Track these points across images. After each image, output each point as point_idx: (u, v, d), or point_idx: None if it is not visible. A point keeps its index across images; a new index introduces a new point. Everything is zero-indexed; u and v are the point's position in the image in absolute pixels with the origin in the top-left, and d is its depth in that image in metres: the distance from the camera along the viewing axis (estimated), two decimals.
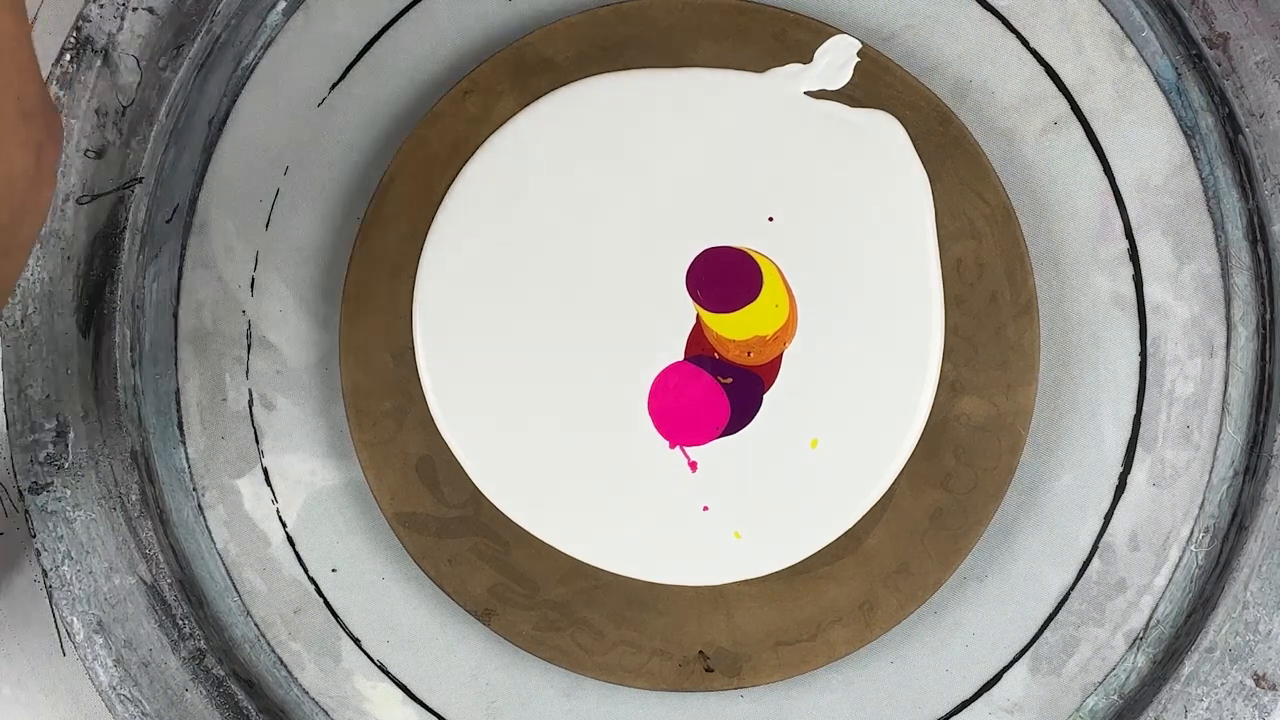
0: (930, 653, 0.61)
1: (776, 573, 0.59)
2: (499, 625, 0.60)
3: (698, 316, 0.59)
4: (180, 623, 0.60)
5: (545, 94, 0.60)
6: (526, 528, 0.59)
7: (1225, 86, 0.59)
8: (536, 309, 0.60)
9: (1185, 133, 0.60)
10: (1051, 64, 0.61)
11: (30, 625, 0.63)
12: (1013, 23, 0.61)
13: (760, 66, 0.60)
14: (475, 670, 0.62)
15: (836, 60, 0.59)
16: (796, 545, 0.59)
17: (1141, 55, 0.61)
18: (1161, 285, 0.61)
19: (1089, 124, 0.61)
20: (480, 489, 0.60)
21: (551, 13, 0.61)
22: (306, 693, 0.62)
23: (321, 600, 0.62)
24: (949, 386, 0.59)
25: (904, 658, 0.61)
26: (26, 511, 0.58)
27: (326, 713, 0.62)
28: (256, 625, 0.62)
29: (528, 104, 0.60)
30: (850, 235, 0.59)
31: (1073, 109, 0.61)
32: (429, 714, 0.62)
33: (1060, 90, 0.61)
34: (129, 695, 0.59)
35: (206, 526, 0.62)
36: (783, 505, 0.59)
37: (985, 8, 0.61)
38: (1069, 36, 0.61)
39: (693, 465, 0.59)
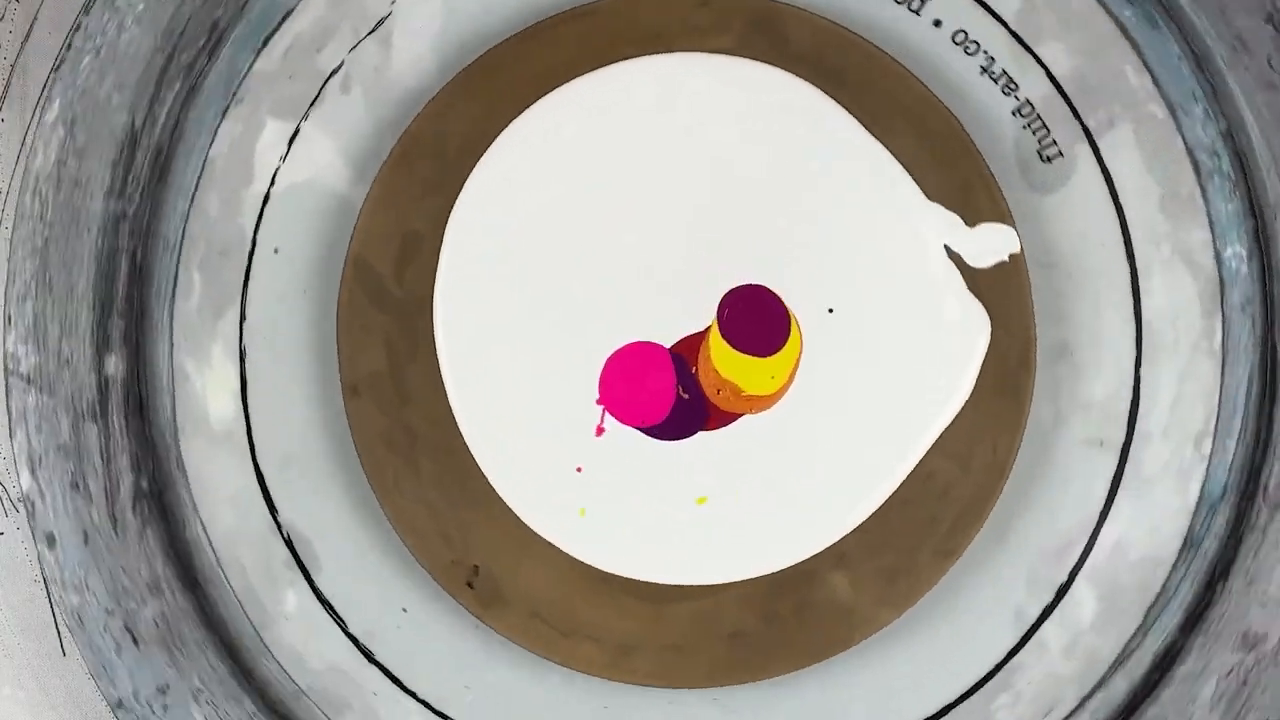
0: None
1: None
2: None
3: (708, 332, 0.60)
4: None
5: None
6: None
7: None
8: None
9: None
10: None
11: (30, 625, 0.62)
12: None
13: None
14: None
15: (991, 245, 0.60)
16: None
17: None
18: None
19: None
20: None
21: None
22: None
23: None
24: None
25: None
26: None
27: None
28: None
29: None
30: (892, 364, 0.59)
31: None
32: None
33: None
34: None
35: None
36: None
37: None
38: None
39: (599, 430, 0.59)
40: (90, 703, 0.62)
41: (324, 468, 0.62)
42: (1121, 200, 0.61)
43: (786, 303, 0.59)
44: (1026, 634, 0.60)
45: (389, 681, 0.61)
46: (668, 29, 0.61)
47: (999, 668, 0.60)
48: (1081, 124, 0.61)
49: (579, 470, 0.59)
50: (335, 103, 0.62)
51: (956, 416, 0.59)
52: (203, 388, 0.61)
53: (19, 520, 0.63)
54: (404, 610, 0.61)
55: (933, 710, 0.61)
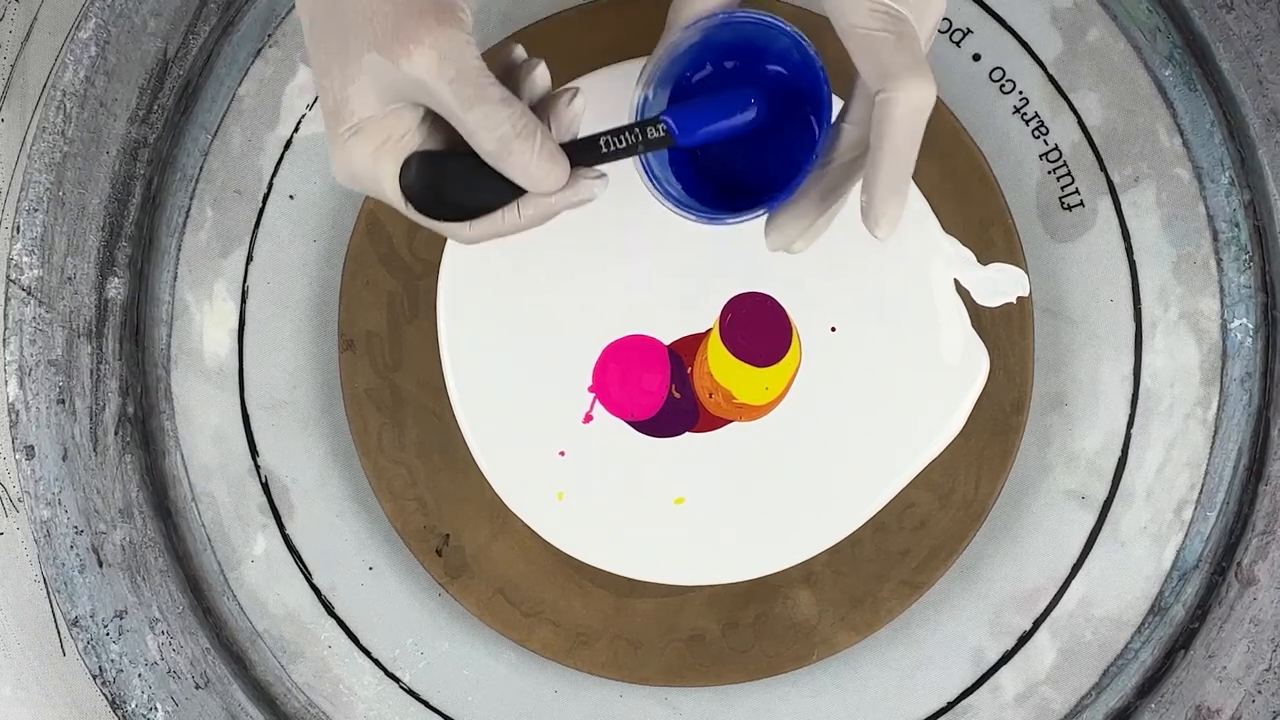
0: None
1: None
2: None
3: (708, 335, 0.60)
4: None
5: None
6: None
7: None
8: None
9: None
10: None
11: (30, 625, 0.63)
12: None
13: None
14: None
15: (1000, 285, 0.60)
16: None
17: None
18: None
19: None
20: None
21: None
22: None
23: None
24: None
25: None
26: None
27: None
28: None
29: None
30: (887, 391, 0.59)
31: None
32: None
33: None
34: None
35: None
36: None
37: None
38: None
39: (588, 417, 0.60)
40: (90, 703, 0.63)
41: (310, 417, 0.62)
42: (1136, 258, 0.61)
43: (790, 315, 0.59)
44: (983, 676, 0.60)
45: (345, 636, 0.61)
46: None
47: (951, 705, 0.60)
48: (1107, 177, 0.61)
49: (561, 454, 0.59)
50: None
51: (943, 450, 0.59)
52: (201, 322, 0.62)
53: (19, 520, 0.63)
54: (370, 569, 0.62)
55: None
